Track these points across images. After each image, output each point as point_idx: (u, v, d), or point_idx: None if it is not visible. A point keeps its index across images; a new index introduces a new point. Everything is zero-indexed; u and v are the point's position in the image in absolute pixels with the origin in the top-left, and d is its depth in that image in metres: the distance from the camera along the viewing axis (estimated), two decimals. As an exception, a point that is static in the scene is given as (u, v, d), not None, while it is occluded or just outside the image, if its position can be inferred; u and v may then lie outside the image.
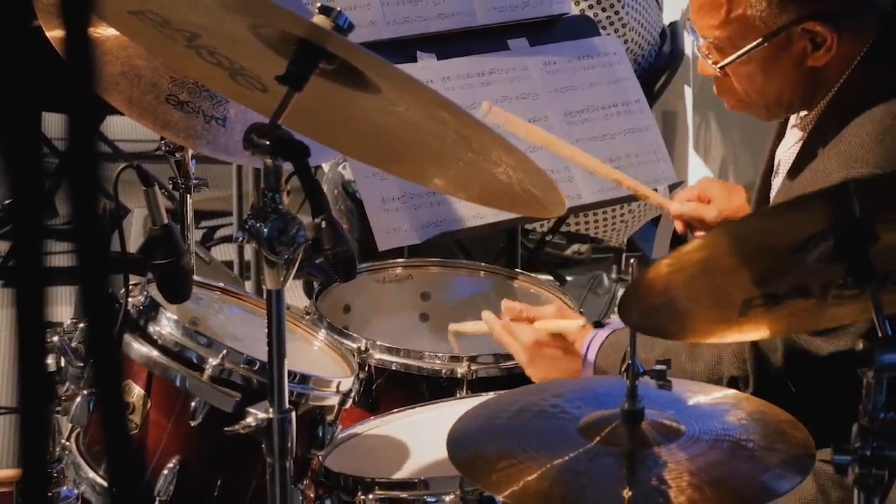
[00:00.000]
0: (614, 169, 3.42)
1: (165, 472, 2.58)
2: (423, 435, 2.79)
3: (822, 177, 2.46)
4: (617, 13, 4.69)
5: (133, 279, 2.68)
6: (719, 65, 2.60)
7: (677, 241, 4.37)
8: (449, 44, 3.84)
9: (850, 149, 2.46)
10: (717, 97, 2.74)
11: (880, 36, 2.55)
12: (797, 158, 2.60)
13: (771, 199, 2.74)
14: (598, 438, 2.10)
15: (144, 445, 2.62)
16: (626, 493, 1.99)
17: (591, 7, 4.64)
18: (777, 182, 2.73)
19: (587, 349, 2.75)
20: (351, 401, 2.75)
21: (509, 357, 3.03)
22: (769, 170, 2.77)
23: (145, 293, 2.68)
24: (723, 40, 2.57)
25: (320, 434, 2.65)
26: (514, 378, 2.99)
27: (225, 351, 2.59)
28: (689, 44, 5.18)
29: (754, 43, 2.53)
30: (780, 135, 2.76)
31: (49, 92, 0.86)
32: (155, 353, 2.62)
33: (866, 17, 2.56)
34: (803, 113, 2.65)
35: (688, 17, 2.64)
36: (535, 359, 2.83)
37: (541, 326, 2.85)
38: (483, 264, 3.55)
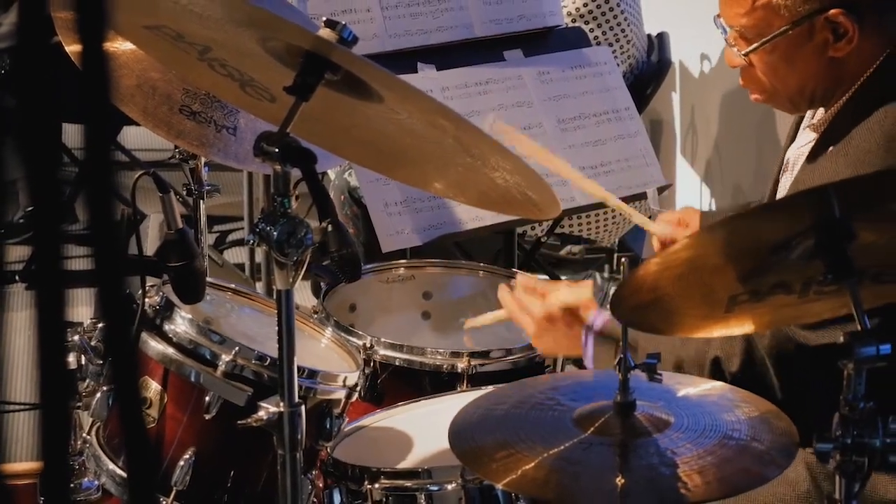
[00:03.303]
0: (606, 192, 3.39)
1: (181, 463, 2.58)
2: (425, 427, 2.80)
3: (832, 176, 2.44)
4: (623, 31, 4.69)
5: (149, 281, 2.68)
6: (744, 51, 2.59)
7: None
8: (448, 55, 3.84)
9: (858, 153, 2.45)
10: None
11: None
12: (810, 154, 2.59)
13: (778, 197, 2.73)
14: (592, 429, 2.10)
15: (161, 438, 2.62)
16: (619, 481, 1.99)
17: (599, 26, 4.63)
18: (785, 180, 2.72)
19: (595, 319, 2.72)
20: (357, 395, 2.75)
21: (508, 352, 3.04)
22: (780, 169, 2.77)
23: (161, 294, 2.68)
24: (748, 29, 2.57)
25: (328, 426, 2.65)
26: (513, 372, 2.99)
27: (237, 348, 2.59)
28: (675, 53, 5.18)
29: (779, 31, 2.53)
30: (793, 137, 2.76)
31: (68, 104, 0.86)
32: (171, 351, 2.62)
33: (888, 17, 2.54)
34: (819, 114, 2.64)
35: (717, 14, 2.64)
36: (542, 333, 2.79)
37: (553, 300, 2.80)
38: (482, 265, 3.55)
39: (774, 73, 2.61)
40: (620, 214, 4.63)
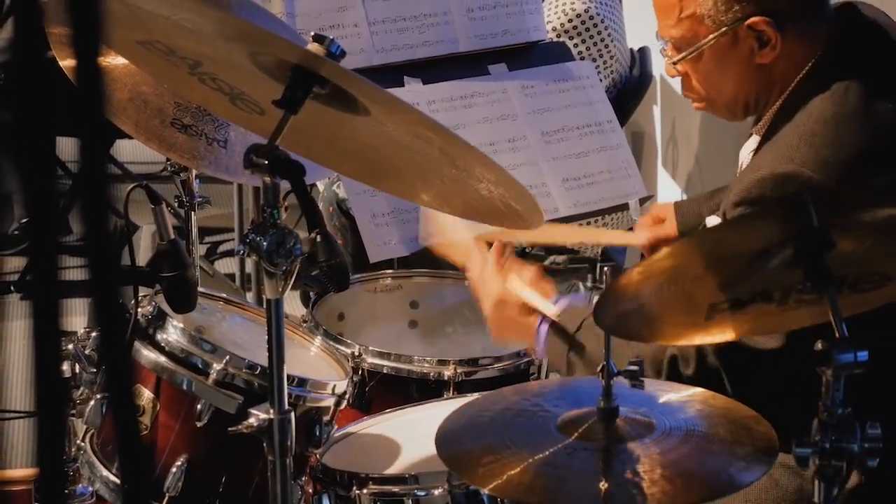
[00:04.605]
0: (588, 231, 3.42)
1: (174, 469, 2.58)
2: (413, 433, 2.79)
3: (754, 170, 2.48)
4: (607, 46, 4.69)
5: (142, 291, 2.68)
6: (674, 60, 2.63)
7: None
8: (434, 69, 3.84)
9: (781, 148, 2.47)
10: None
11: (827, 49, 2.56)
12: (754, 156, 2.61)
13: None
14: (575, 434, 2.10)
15: (154, 445, 2.61)
16: (603, 486, 1.99)
17: (583, 41, 4.63)
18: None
19: (538, 333, 2.69)
20: (345, 402, 2.75)
21: (494, 360, 3.04)
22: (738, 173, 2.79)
23: (153, 303, 2.67)
24: (679, 39, 2.61)
25: (317, 433, 2.65)
26: (499, 380, 2.99)
27: (228, 356, 2.59)
28: (656, 67, 5.19)
29: (704, 40, 2.57)
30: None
31: (62, 118, 0.86)
32: (163, 359, 2.62)
33: (811, 24, 2.56)
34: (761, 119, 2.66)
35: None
36: (496, 314, 2.76)
37: (513, 288, 2.77)
38: (467, 274, 3.54)
39: (708, 82, 2.65)
40: (603, 225, 4.63)
